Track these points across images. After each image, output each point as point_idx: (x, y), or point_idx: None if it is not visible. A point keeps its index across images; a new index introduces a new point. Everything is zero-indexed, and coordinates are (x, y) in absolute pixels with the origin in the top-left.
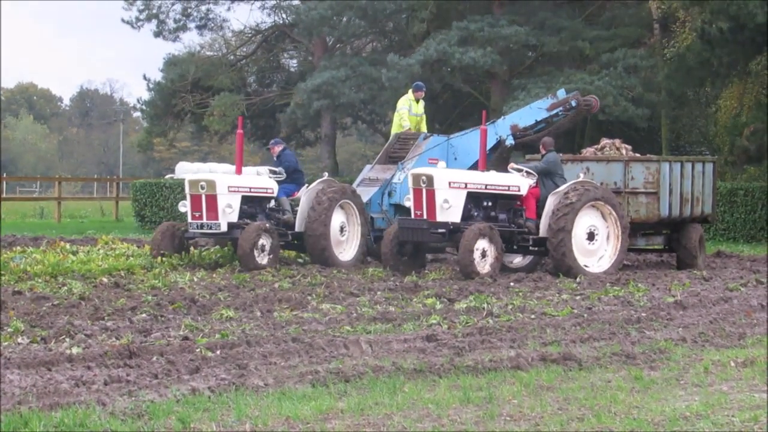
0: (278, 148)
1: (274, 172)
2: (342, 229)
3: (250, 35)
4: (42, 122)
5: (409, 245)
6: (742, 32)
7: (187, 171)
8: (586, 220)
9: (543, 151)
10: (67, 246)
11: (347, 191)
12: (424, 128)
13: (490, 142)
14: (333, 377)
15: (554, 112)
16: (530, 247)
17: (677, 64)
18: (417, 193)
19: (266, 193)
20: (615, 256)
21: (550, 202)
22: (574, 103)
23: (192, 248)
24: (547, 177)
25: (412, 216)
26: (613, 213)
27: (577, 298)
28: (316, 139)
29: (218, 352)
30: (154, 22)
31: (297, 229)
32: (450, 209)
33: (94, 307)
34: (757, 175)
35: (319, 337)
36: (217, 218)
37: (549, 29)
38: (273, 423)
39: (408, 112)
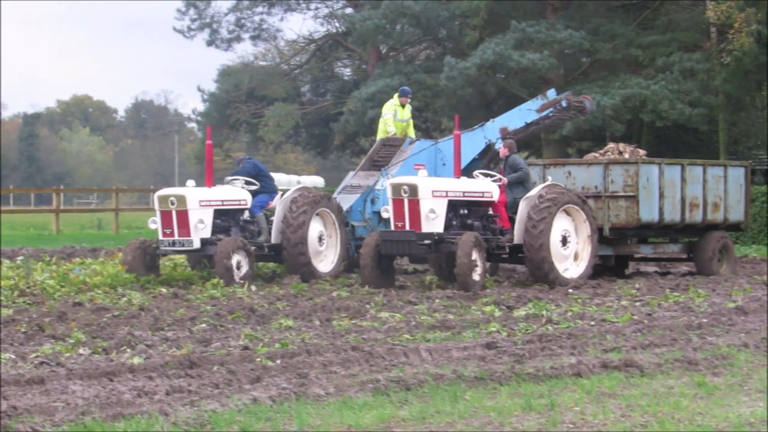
0: (242, 157)
1: (247, 182)
2: (320, 239)
3: (303, 45)
4: (98, 134)
5: (386, 258)
6: None
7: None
8: (558, 225)
9: (507, 153)
10: None
11: (324, 199)
12: (411, 134)
13: (479, 147)
14: (393, 385)
15: (545, 113)
16: (505, 255)
17: (734, 68)
18: (397, 203)
19: (239, 204)
20: (587, 261)
21: (523, 208)
22: (564, 104)
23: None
24: (516, 181)
25: (392, 227)
26: (584, 217)
27: (637, 304)
28: (370, 147)
29: (279, 361)
30: (207, 31)
31: (273, 240)
32: (436, 219)
33: (154, 318)
34: None
35: (378, 345)
36: (189, 235)
37: (603, 35)
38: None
39: (393, 117)
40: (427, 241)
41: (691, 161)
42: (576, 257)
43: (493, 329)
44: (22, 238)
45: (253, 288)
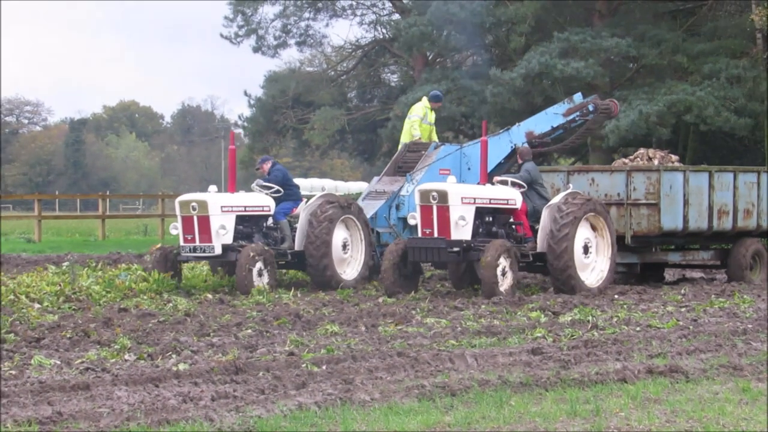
0: (268, 165)
1: (268, 188)
2: (345, 247)
3: (350, 51)
4: (144, 140)
5: (412, 265)
6: None
7: None
8: (581, 233)
9: (520, 161)
10: None
11: (349, 206)
12: (435, 138)
13: (505, 151)
14: (439, 391)
15: (571, 117)
16: (531, 264)
17: None
18: (426, 210)
19: (262, 211)
20: (608, 270)
21: (546, 216)
22: (591, 108)
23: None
24: (531, 188)
25: (419, 234)
26: (605, 225)
27: (682, 310)
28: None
29: (324, 367)
30: (254, 37)
31: (297, 247)
32: (465, 226)
33: (199, 324)
34: None
35: (424, 351)
36: (210, 240)
37: (649, 41)
38: None
39: (421, 120)
40: (456, 249)
41: (720, 168)
42: (597, 265)
43: (539, 335)
44: (67, 244)
45: (299, 294)
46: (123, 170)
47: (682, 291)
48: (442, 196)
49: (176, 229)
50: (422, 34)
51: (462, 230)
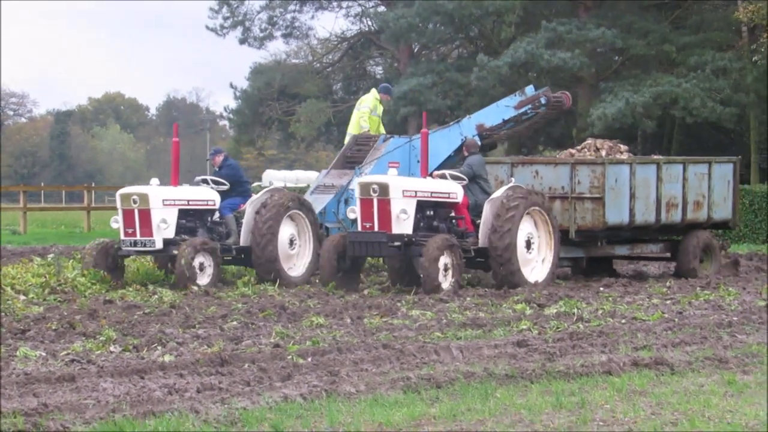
0: (220, 158)
1: (217, 183)
2: (292, 242)
3: (336, 43)
4: (129, 132)
5: (348, 260)
6: None
7: (274, 178)
8: (523, 228)
9: (466, 154)
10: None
11: (297, 201)
12: (382, 130)
13: (455, 144)
14: (424, 383)
15: (523, 110)
16: (472, 259)
17: (765, 67)
18: (366, 203)
19: (207, 205)
20: (551, 265)
21: (488, 210)
22: (543, 101)
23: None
24: (474, 182)
25: (359, 228)
26: (548, 219)
27: (668, 302)
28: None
29: (309, 359)
30: (240, 29)
31: (242, 243)
32: (407, 220)
33: (185, 315)
34: None
35: (409, 343)
36: (151, 234)
37: (635, 33)
38: (365, 429)
39: (370, 112)
40: (397, 243)
41: (668, 159)
42: (540, 260)
43: (524, 327)
44: (53, 236)
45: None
46: (108, 162)
47: (668, 283)
48: (383, 189)
49: (117, 222)
50: (409, 25)
51: (403, 224)
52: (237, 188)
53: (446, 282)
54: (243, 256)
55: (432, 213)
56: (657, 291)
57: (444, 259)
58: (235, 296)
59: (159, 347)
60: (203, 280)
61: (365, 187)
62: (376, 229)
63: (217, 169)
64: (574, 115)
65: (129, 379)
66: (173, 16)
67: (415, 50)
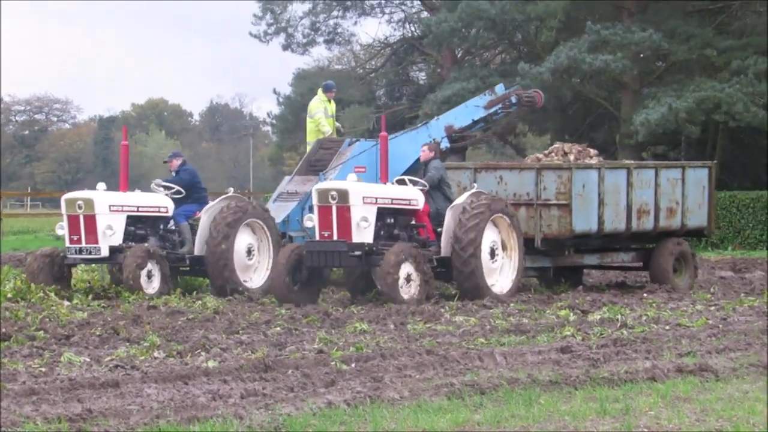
0: (177, 162)
1: (169, 188)
2: (250, 252)
3: (379, 48)
4: (173, 138)
5: (305, 272)
6: None
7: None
8: (487, 236)
9: (429, 157)
10: None
11: (255, 209)
12: (337, 128)
13: None
14: (468, 389)
15: (493, 110)
16: (434, 269)
17: None
18: (324, 211)
19: (158, 212)
20: (515, 275)
21: (450, 218)
22: (514, 99)
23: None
24: (436, 188)
25: (317, 237)
26: (513, 227)
27: (712, 308)
28: (445, 151)
29: (353, 365)
30: (283, 35)
31: (197, 252)
32: (368, 228)
33: (228, 321)
34: None
35: (453, 349)
36: (97, 242)
37: (679, 37)
38: None
39: (324, 115)
40: (357, 252)
41: (639, 164)
42: (504, 270)
43: (568, 333)
44: None
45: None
46: (152, 168)
47: (712, 290)
48: (342, 196)
49: (62, 229)
50: (452, 30)
51: (364, 232)
52: (193, 195)
53: (408, 293)
54: (198, 266)
55: (392, 221)
56: (701, 297)
57: (406, 268)
58: (278, 302)
59: (203, 353)
60: (150, 289)
61: (323, 194)
62: (335, 237)
63: (173, 174)
64: (618, 121)
65: (173, 385)
66: (216, 22)
67: (458, 55)
